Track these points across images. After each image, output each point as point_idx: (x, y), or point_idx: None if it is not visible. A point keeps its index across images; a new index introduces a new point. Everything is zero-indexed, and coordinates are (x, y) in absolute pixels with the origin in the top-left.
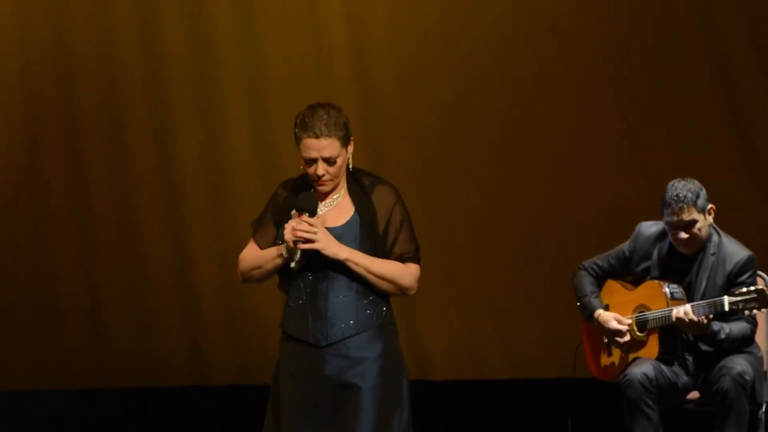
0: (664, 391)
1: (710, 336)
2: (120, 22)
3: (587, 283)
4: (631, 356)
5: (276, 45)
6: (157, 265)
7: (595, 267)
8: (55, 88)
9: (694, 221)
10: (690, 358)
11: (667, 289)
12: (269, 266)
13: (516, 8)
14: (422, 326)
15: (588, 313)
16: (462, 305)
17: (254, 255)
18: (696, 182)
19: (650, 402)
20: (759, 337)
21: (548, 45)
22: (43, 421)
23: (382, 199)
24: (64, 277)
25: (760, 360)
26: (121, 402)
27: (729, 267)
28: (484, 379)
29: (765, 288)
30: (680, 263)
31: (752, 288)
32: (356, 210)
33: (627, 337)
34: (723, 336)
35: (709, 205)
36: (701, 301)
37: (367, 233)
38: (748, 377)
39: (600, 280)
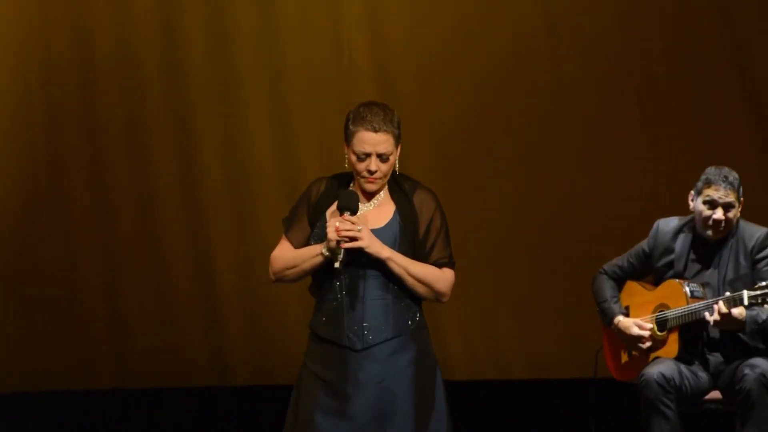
0: (682, 391)
1: (752, 321)
2: (141, 25)
3: (607, 287)
4: (652, 356)
5: (296, 45)
6: (178, 265)
7: (615, 269)
8: (76, 90)
9: (732, 205)
10: (711, 358)
11: (687, 288)
12: (306, 265)
13: (536, 7)
14: (443, 326)
15: (608, 319)
16: (482, 305)
17: (289, 254)
18: (737, 173)
19: (668, 402)
20: None
21: (568, 43)
22: (65, 422)
23: (423, 202)
24: (86, 278)
25: None
26: (143, 402)
27: (750, 244)
28: (504, 380)
29: None
30: (703, 252)
31: None
32: (397, 212)
33: (649, 343)
34: (765, 317)
35: (741, 198)
36: (721, 297)
37: (407, 236)
38: None
39: (620, 282)
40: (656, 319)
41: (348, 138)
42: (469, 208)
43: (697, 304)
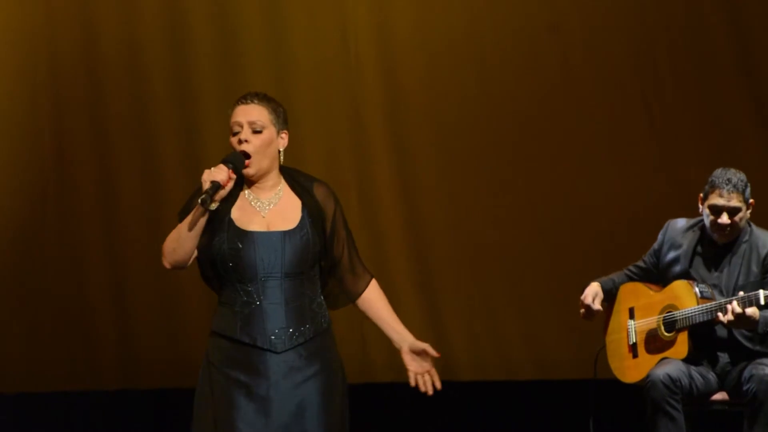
0: (688, 393)
1: (765, 323)
2: (147, 25)
3: (614, 275)
4: (659, 356)
5: (303, 47)
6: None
7: (633, 269)
8: (83, 90)
9: (738, 209)
10: (719, 359)
11: (696, 289)
12: (186, 230)
13: (543, 8)
14: (447, 327)
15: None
16: (487, 306)
17: (172, 233)
18: (743, 174)
19: (674, 403)
20: None
21: (576, 46)
22: (71, 422)
23: (324, 197)
24: (92, 278)
25: None
26: (149, 403)
27: (763, 252)
28: (509, 380)
29: None
30: (713, 253)
31: None
32: (304, 208)
33: (583, 310)
34: None
35: (751, 199)
36: (736, 296)
37: (318, 235)
38: None
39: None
40: (663, 319)
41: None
42: (475, 208)
43: (709, 304)
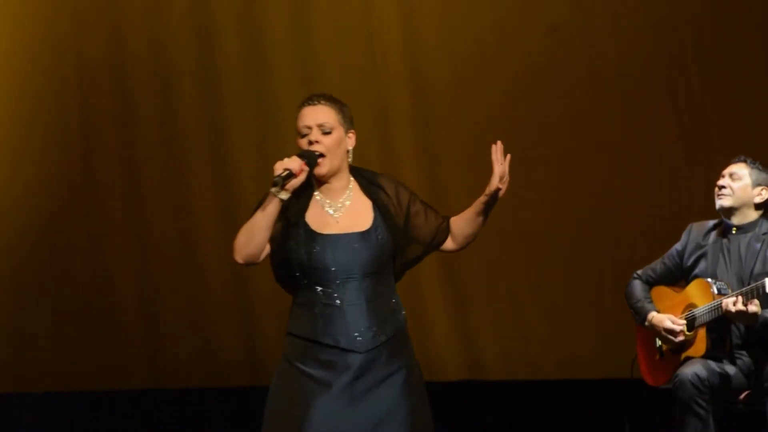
0: (716, 391)
1: (763, 324)
2: (175, 32)
3: (639, 290)
4: (682, 356)
5: (329, 48)
6: (212, 266)
7: (649, 273)
8: (110, 91)
9: (738, 175)
10: (742, 357)
11: (714, 287)
12: (260, 220)
13: (572, 9)
14: (476, 327)
15: (642, 317)
16: (516, 306)
17: (244, 225)
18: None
19: (702, 402)
20: None
21: (604, 46)
22: (99, 422)
23: (393, 188)
24: (120, 279)
25: None
26: (177, 403)
27: None
28: (537, 380)
29: None
30: (730, 247)
31: None
32: (376, 207)
33: (682, 337)
34: None
35: (764, 187)
36: (743, 288)
37: (391, 232)
38: None
39: (654, 287)
40: (686, 318)
41: (295, 129)
42: (503, 209)
43: (721, 300)
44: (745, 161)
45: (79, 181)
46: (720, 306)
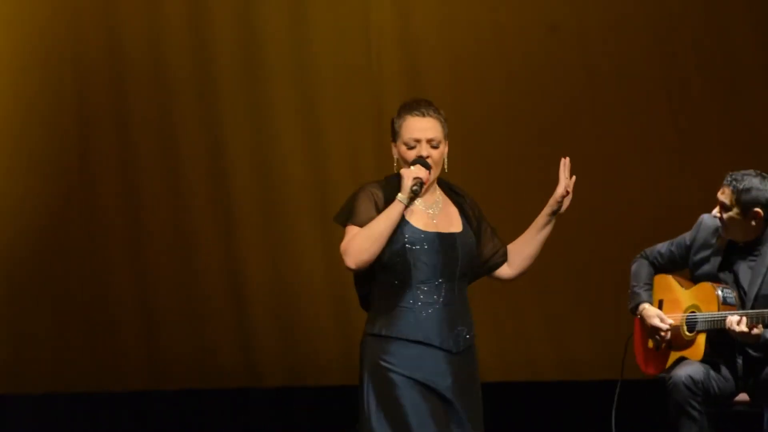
0: (710, 393)
1: (763, 345)
2: (171, 32)
3: (643, 273)
4: (678, 354)
5: (326, 48)
6: (209, 268)
7: (656, 256)
8: (107, 91)
9: (726, 206)
10: (739, 361)
11: (720, 293)
12: (383, 226)
13: (570, 9)
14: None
15: (634, 303)
16: (513, 308)
17: (363, 231)
18: (767, 182)
19: (696, 404)
20: None
21: (600, 46)
22: (96, 423)
23: (470, 199)
24: (117, 280)
25: None
26: (174, 404)
27: None
28: (535, 381)
29: None
30: (738, 257)
31: None
32: (461, 212)
33: (667, 336)
34: None
35: (756, 209)
36: (751, 311)
37: (476, 237)
38: None
39: (660, 270)
40: (687, 319)
41: (395, 133)
42: (500, 210)
43: (727, 313)
44: (730, 184)
45: (76, 182)
46: (723, 320)
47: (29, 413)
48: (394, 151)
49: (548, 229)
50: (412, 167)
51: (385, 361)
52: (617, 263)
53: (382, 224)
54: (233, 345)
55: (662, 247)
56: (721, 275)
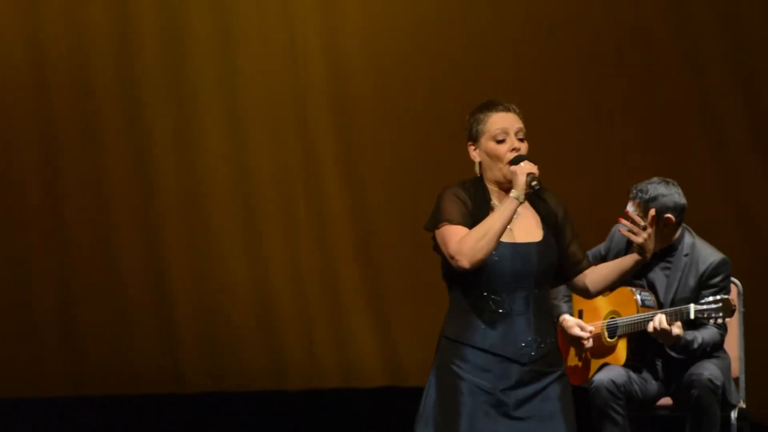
0: (632, 397)
1: (683, 346)
2: (95, 34)
3: (563, 287)
4: (600, 362)
5: (251, 52)
6: (132, 272)
7: None
8: (30, 98)
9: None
10: (659, 365)
11: (638, 296)
12: (499, 225)
13: (493, 12)
14: (396, 334)
15: (554, 316)
16: (435, 312)
17: (474, 229)
18: (672, 187)
19: (618, 408)
20: (728, 343)
21: (529, 51)
22: (16, 430)
23: (555, 201)
24: (38, 286)
25: (728, 364)
26: (96, 409)
27: (702, 268)
28: None
29: (729, 298)
30: (653, 263)
31: (718, 297)
32: (542, 219)
33: (589, 344)
34: (696, 346)
35: (666, 215)
36: (668, 309)
37: (557, 245)
38: (718, 382)
39: None
40: (607, 325)
41: (478, 132)
42: (425, 214)
43: (645, 315)
44: (636, 197)
45: None
46: (643, 322)
47: None
48: (474, 153)
49: (631, 270)
50: (521, 164)
51: (455, 365)
52: None
53: (497, 222)
54: (156, 350)
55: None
56: (637, 282)
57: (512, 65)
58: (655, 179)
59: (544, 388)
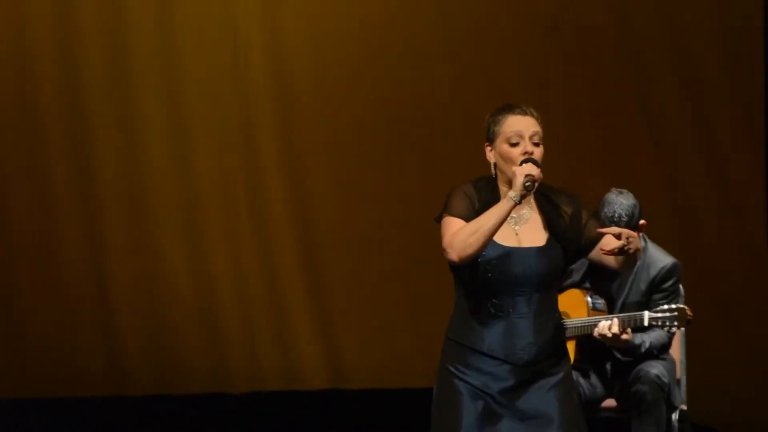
0: (579, 400)
1: (631, 349)
2: (36, 30)
3: None
4: None
5: (193, 50)
6: (74, 273)
7: None
8: None
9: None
10: (606, 366)
11: (589, 299)
12: (492, 222)
13: (436, 15)
14: (339, 334)
15: None
16: (380, 313)
17: (468, 226)
18: (631, 197)
19: None
20: (672, 347)
21: (468, 51)
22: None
23: (566, 202)
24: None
25: (673, 365)
26: (39, 412)
27: (653, 272)
28: (404, 388)
29: (685, 307)
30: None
31: (673, 306)
32: (549, 223)
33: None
34: (643, 350)
35: (642, 221)
36: (621, 314)
37: (561, 249)
38: (665, 379)
39: None
40: None
41: (494, 134)
42: (367, 212)
43: (596, 318)
44: (624, 224)
45: None
46: (592, 326)
47: None
48: (490, 154)
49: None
50: (523, 165)
51: (456, 366)
52: None
53: (490, 220)
54: (99, 352)
55: None
56: (586, 284)
57: (449, 62)
58: (612, 196)
59: (545, 390)
